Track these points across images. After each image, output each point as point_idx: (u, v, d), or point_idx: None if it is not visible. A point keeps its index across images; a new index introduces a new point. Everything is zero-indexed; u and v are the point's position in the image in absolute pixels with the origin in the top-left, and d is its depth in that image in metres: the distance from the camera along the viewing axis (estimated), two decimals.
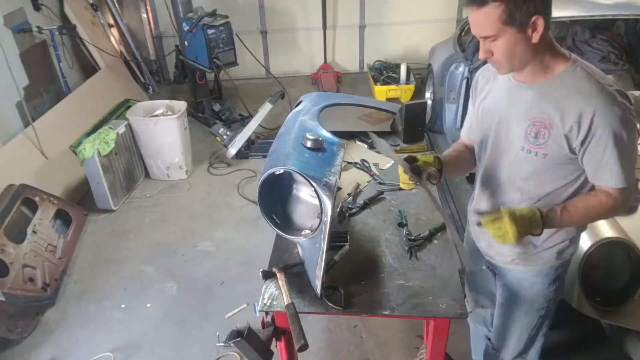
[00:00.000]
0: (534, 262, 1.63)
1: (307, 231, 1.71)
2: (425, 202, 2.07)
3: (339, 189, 2.16)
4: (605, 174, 1.39)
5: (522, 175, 1.51)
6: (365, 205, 2.05)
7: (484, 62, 1.49)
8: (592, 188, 1.48)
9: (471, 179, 3.62)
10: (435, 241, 1.85)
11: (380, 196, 2.11)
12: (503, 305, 1.80)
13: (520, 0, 1.25)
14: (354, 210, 2.02)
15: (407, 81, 5.39)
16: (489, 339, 1.99)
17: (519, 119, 1.45)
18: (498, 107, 1.52)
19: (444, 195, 3.66)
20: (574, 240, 1.62)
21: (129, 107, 4.14)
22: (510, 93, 1.47)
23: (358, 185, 2.16)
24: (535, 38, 1.31)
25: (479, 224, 1.52)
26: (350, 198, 2.09)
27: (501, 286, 1.78)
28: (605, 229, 2.08)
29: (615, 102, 1.30)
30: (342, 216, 2.00)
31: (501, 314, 1.83)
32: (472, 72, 3.64)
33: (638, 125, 1.39)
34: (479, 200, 1.73)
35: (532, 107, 1.41)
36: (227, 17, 4.51)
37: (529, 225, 1.42)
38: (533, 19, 1.27)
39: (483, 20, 1.31)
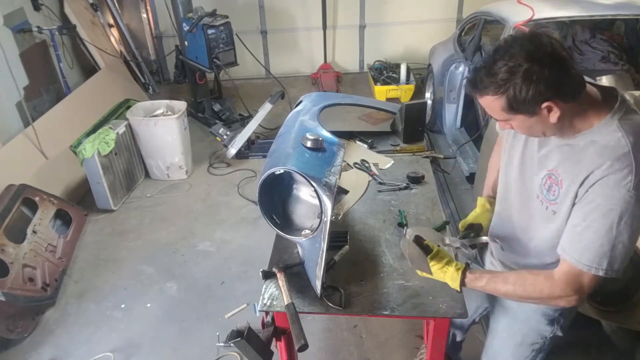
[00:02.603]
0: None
1: (307, 231, 1.71)
2: (425, 202, 2.07)
3: (344, 191, 2.16)
4: (574, 245, 1.21)
5: (534, 224, 1.41)
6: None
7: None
8: None
9: (471, 179, 3.63)
10: None
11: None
12: (495, 330, 1.73)
13: (522, 90, 1.11)
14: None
15: (407, 81, 5.39)
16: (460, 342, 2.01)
17: (540, 165, 1.34)
18: (529, 145, 1.39)
19: (444, 195, 3.67)
20: (565, 313, 1.53)
21: (129, 107, 4.14)
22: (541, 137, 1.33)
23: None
24: (553, 119, 1.17)
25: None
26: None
27: (496, 310, 1.71)
28: None
29: (630, 177, 1.12)
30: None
31: (493, 339, 1.76)
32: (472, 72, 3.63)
33: None
34: (495, 226, 1.63)
35: (553, 157, 1.29)
36: (227, 17, 4.51)
37: (451, 280, 1.38)
38: (544, 106, 1.14)
39: (488, 106, 1.23)
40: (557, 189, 1.27)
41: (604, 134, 1.18)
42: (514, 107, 1.16)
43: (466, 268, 1.38)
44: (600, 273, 1.18)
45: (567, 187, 1.23)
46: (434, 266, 1.40)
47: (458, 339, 2.19)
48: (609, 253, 1.17)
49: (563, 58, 1.13)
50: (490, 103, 1.20)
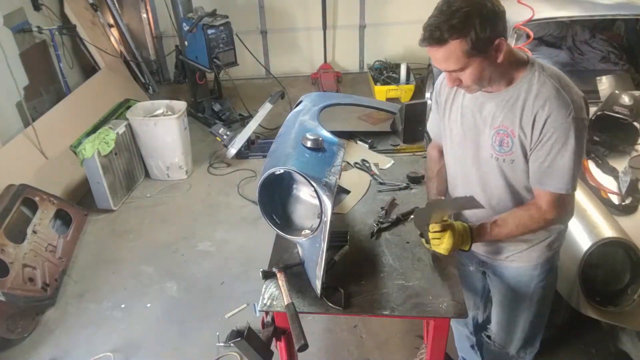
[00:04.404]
0: (528, 258, 1.67)
1: (307, 231, 1.71)
2: (425, 202, 2.06)
3: (345, 191, 2.15)
4: (548, 177, 1.41)
5: (493, 180, 1.55)
6: (399, 220, 1.95)
7: None
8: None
9: None
10: None
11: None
12: (502, 302, 1.82)
13: (482, 29, 1.26)
14: (385, 225, 1.92)
15: (407, 81, 5.39)
16: (489, 337, 2.00)
17: (485, 128, 1.49)
18: (465, 117, 1.55)
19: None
20: (562, 232, 1.68)
21: (129, 107, 4.14)
22: (475, 102, 1.51)
23: (393, 199, 2.07)
24: (500, 58, 1.33)
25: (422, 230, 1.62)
26: (384, 212, 1.99)
27: (498, 284, 1.80)
28: (605, 229, 2.08)
29: (569, 108, 1.34)
30: (374, 231, 1.90)
31: (502, 312, 1.85)
32: None
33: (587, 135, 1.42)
34: (453, 188, 1.76)
35: (495, 115, 1.46)
36: (227, 17, 4.51)
37: (461, 242, 1.50)
38: (496, 42, 1.30)
39: (446, 57, 1.32)
40: (509, 140, 1.44)
41: (533, 83, 1.38)
42: (476, 46, 1.27)
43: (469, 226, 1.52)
44: (571, 191, 1.43)
45: (519, 134, 1.41)
46: (434, 228, 1.52)
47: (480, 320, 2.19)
48: (576, 173, 1.40)
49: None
50: (453, 50, 1.28)
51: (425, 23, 1.31)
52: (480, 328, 2.11)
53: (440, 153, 1.79)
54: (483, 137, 1.51)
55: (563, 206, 1.48)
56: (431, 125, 1.83)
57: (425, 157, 2.41)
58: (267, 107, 4.43)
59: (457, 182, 1.70)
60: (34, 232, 3.07)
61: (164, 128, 3.94)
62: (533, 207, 1.48)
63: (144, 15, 5.88)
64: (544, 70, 1.40)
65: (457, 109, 1.57)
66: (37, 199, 3.21)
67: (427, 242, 1.59)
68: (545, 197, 1.45)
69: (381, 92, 5.38)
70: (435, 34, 1.28)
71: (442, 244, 1.50)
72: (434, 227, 1.51)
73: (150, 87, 5.67)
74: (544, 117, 1.36)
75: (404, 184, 2.17)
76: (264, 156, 2.56)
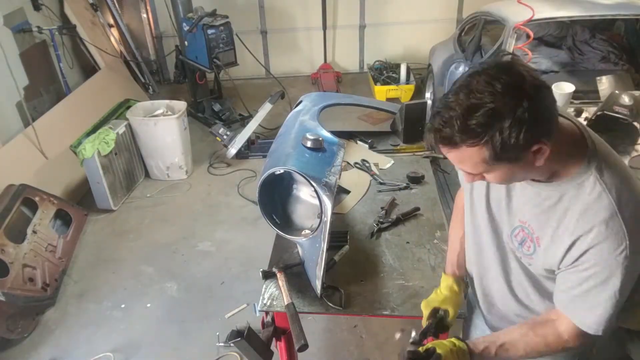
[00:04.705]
0: None
1: (307, 231, 1.71)
2: (425, 202, 2.07)
3: (345, 191, 2.15)
4: (576, 307, 1.12)
5: (511, 267, 1.28)
6: (399, 220, 1.94)
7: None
8: None
9: None
10: (436, 241, 1.85)
11: (416, 212, 2.00)
12: None
13: (513, 134, 0.91)
14: (385, 225, 1.92)
15: (407, 81, 5.38)
16: None
17: (509, 214, 1.20)
18: (492, 189, 1.24)
19: (444, 195, 3.66)
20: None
21: (129, 107, 4.14)
22: None
23: (393, 199, 2.07)
24: (540, 162, 0.99)
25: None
26: (384, 212, 1.99)
27: None
28: None
29: (623, 242, 1.01)
30: (374, 231, 1.89)
31: None
32: None
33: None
34: (472, 264, 1.45)
35: (523, 209, 1.16)
36: (227, 17, 4.51)
37: None
38: (534, 149, 0.96)
39: (459, 160, 1.01)
40: (532, 245, 1.14)
41: (584, 191, 1.03)
42: (500, 156, 0.95)
43: (467, 345, 1.19)
44: (600, 333, 1.12)
45: (547, 247, 1.11)
46: None
47: None
48: (612, 316, 1.09)
49: (545, 86, 0.95)
50: (468, 156, 0.97)
51: (435, 108, 0.98)
52: None
53: None
54: (502, 223, 1.23)
55: (588, 339, 1.15)
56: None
57: (425, 157, 2.42)
58: (267, 107, 4.43)
59: (471, 254, 1.42)
60: (34, 232, 3.07)
61: (164, 128, 3.94)
62: (551, 333, 1.16)
63: (144, 15, 5.87)
64: (604, 175, 1.02)
65: (482, 187, 1.26)
66: (37, 199, 3.21)
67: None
68: (569, 325, 1.14)
69: (381, 92, 5.38)
70: (444, 131, 0.95)
71: None
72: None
73: (150, 87, 5.67)
74: (586, 246, 1.03)
75: (404, 184, 2.18)
76: (264, 156, 2.56)
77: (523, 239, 1.16)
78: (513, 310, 1.33)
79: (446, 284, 1.45)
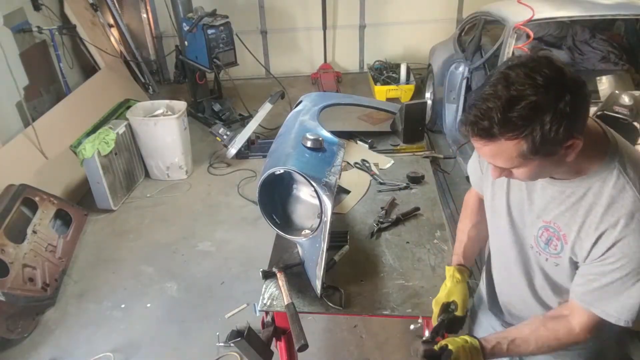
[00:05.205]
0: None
1: (307, 231, 1.71)
2: (425, 202, 2.07)
3: (345, 191, 2.15)
4: (598, 298, 1.10)
5: (534, 270, 1.26)
6: (399, 220, 1.94)
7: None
8: None
9: None
10: (436, 241, 1.85)
11: (416, 212, 1.99)
12: None
13: (554, 128, 0.91)
14: (385, 225, 1.92)
15: (407, 81, 5.39)
16: None
17: (532, 216, 1.18)
18: (513, 190, 1.23)
19: (444, 195, 3.67)
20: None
21: (129, 107, 4.14)
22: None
23: (393, 199, 2.07)
24: (571, 157, 0.99)
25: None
26: (384, 212, 1.99)
27: None
28: None
29: None
30: (374, 231, 1.89)
31: None
32: (472, 72, 3.65)
33: None
34: (494, 268, 1.45)
35: (548, 208, 1.14)
36: (227, 17, 4.51)
37: None
38: (569, 143, 0.96)
39: (494, 154, 1.00)
40: (559, 243, 1.13)
41: (608, 185, 1.03)
42: (538, 150, 0.94)
43: (479, 342, 1.20)
44: (622, 324, 1.09)
45: (574, 243, 1.10)
46: None
47: None
48: (635, 306, 1.07)
49: (582, 81, 0.94)
50: (505, 150, 0.96)
51: (471, 100, 0.97)
52: None
53: (481, 202, 1.44)
54: (526, 226, 1.21)
55: (600, 331, 1.14)
56: (471, 169, 1.45)
57: (425, 157, 2.42)
58: (267, 107, 4.43)
59: (493, 253, 1.41)
60: (34, 232, 3.07)
61: (164, 128, 3.94)
62: (562, 327, 1.16)
63: (144, 15, 5.88)
64: (627, 169, 1.03)
65: (502, 184, 1.24)
66: (37, 199, 3.21)
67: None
68: (583, 317, 1.13)
69: (381, 92, 5.38)
70: (482, 123, 0.94)
71: None
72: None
73: (150, 87, 5.67)
74: (613, 240, 1.03)
75: (404, 184, 2.18)
76: (264, 156, 2.56)
77: (549, 238, 1.15)
78: (535, 312, 1.33)
79: (449, 274, 1.44)
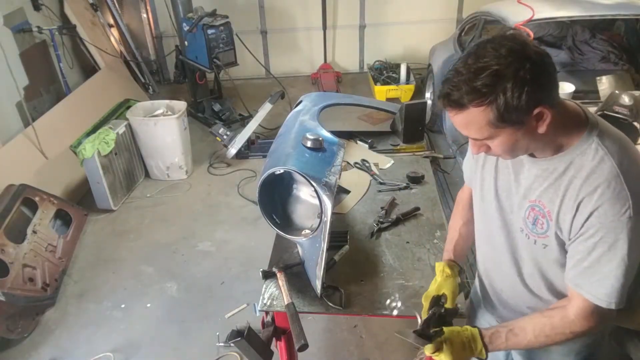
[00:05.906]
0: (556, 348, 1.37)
1: (307, 231, 1.71)
2: (425, 202, 2.07)
3: (345, 191, 2.15)
4: (586, 278, 1.12)
5: (523, 255, 1.28)
6: (399, 220, 1.94)
7: None
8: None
9: None
10: (435, 241, 1.85)
11: (416, 212, 2.00)
12: None
13: (515, 95, 0.97)
14: (385, 225, 1.92)
15: (407, 81, 5.38)
16: None
17: (519, 197, 1.22)
18: (501, 173, 1.27)
19: (444, 195, 3.66)
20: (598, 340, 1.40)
21: (129, 107, 4.14)
22: (515, 160, 1.21)
23: (393, 199, 2.08)
24: (542, 128, 1.04)
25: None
26: (384, 212, 1.99)
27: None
28: None
29: (626, 203, 1.03)
30: (374, 231, 1.89)
31: None
32: None
33: None
34: (481, 263, 1.50)
35: (532, 187, 1.18)
36: (227, 17, 4.51)
37: (469, 352, 1.21)
38: (536, 112, 1.01)
39: (466, 124, 1.07)
40: (545, 221, 1.16)
41: (587, 158, 1.08)
42: (504, 117, 1.00)
43: (479, 329, 1.23)
44: (613, 306, 1.12)
45: (557, 217, 1.13)
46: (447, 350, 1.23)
47: None
48: (624, 284, 1.09)
49: (546, 54, 1.02)
50: (474, 118, 1.03)
51: (445, 75, 1.06)
52: None
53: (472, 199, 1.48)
54: (514, 210, 1.24)
55: (597, 319, 1.15)
56: (466, 165, 1.50)
57: (425, 157, 2.42)
58: (267, 107, 4.43)
59: (481, 243, 1.45)
60: (34, 232, 3.07)
61: (164, 128, 3.94)
62: (558, 314, 1.18)
63: (144, 15, 5.88)
64: (605, 142, 1.08)
65: (492, 159, 1.28)
66: (37, 199, 3.21)
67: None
68: (577, 303, 1.15)
69: (381, 92, 5.38)
70: (452, 95, 1.02)
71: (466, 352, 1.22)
72: (427, 348, 1.23)
73: (150, 87, 5.67)
74: (590, 208, 1.06)
75: (404, 184, 2.18)
76: (264, 156, 2.56)
77: (535, 217, 1.18)
78: (525, 302, 1.35)
79: (439, 270, 1.47)
